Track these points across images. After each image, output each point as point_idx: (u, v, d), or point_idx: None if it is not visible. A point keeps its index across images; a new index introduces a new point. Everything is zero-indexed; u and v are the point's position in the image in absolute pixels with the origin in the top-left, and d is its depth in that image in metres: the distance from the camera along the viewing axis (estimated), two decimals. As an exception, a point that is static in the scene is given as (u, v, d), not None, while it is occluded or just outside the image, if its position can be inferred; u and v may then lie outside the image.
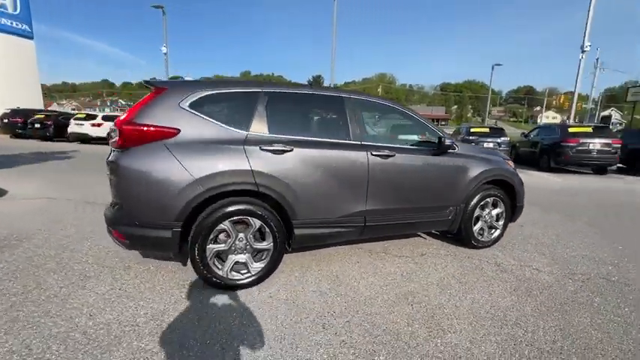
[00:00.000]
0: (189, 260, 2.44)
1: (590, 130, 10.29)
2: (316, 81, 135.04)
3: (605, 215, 5.30)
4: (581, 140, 9.90)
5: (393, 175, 2.85)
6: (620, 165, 11.43)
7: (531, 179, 8.79)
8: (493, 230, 3.53)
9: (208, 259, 2.34)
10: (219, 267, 2.39)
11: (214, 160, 2.27)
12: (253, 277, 2.47)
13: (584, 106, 53.64)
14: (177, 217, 2.21)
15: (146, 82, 2.47)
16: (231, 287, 2.43)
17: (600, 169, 10.76)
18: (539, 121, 75.37)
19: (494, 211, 3.48)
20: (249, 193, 2.39)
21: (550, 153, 10.58)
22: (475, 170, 3.24)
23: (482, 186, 3.31)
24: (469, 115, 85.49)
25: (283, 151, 2.44)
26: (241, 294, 2.41)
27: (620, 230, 4.47)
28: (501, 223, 3.54)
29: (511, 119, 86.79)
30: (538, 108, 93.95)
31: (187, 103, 2.31)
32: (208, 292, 2.42)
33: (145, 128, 2.20)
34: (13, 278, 2.49)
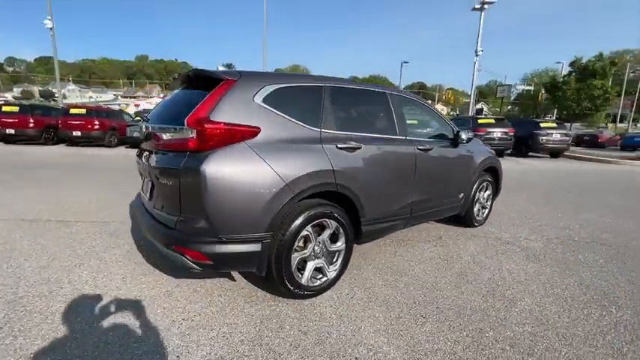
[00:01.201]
0: (238, 274, 2.19)
1: (493, 121, 12.59)
2: (228, 67, 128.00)
3: (531, 191, 6.65)
4: (488, 130, 12.04)
5: (430, 167, 3.07)
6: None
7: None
8: (484, 210, 4.12)
9: (292, 269, 2.15)
10: (300, 276, 2.22)
11: (301, 161, 2.08)
12: (328, 281, 2.38)
13: (465, 100, 64.50)
14: (268, 226, 1.96)
15: (200, 71, 2.06)
16: (309, 296, 2.29)
17: (499, 153, 13.30)
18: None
19: (486, 194, 4.06)
20: (327, 194, 2.26)
21: (464, 141, 12.63)
22: (478, 159, 3.72)
23: (481, 172, 3.82)
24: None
25: (354, 149, 2.38)
26: (322, 300, 2.30)
27: (552, 202, 5.70)
28: (489, 203, 4.16)
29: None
30: (430, 102, 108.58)
31: (261, 98, 2.04)
32: (286, 304, 2.23)
33: (229, 127, 1.86)
34: None
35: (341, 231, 2.36)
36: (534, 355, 1.83)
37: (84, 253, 2.92)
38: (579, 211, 5.06)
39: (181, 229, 1.90)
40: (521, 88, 46.78)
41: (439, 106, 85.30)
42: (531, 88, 42.22)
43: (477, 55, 17.58)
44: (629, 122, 45.11)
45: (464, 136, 3.35)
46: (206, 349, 1.77)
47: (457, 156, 3.44)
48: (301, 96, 2.26)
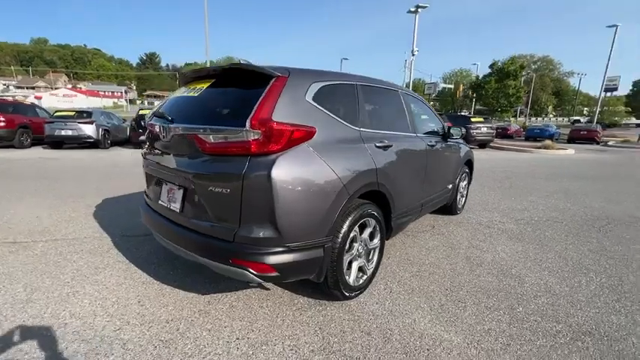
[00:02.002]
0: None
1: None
2: (150, 59, 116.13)
3: (480, 179, 7.51)
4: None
5: (435, 161, 3.29)
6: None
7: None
8: (462, 198, 4.55)
9: (344, 271, 2.12)
10: (348, 277, 2.20)
11: (353, 162, 2.04)
12: (367, 279, 2.40)
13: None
14: (329, 230, 1.89)
15: (243, 65, 1.85)
16: (356, 296, 2.29)
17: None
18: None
19: (464, 183, 4.49)
20: (369, 193, 2.27)
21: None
22: (462, 152, 4.09)
23: (463, 164, 4.21)
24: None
25: (387, 147, 2.42)
26: (365, 299, 2.32)
27: (500, 188, 6.52)
28: (465, 192, 4.61)
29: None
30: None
31: (311, 96, 1.93)
32: (334, 307, 2.20)
33: (294, 128, 1.72)
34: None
35: (377, 228, 2.40)
36: (561, 321, 2.12)
37: (70, 278, 2.45)
38: (526, 195, 5.90)
39: (242, 241, 1.72)
40: (442, 86, 52.03)
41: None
42: (451, 86, 47.18)
43: (413, 55, 19.06)
44: (525, 116, 53.68)
45: (455, 132, 3.65)
46: (282, 366, 1.67)
47: (449, 150, 3.73)
48: (341, 94, 2.22)
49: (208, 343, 1.81)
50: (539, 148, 15.38)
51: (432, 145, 3.18)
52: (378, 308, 2.21)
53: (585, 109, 58.97)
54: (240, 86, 1.92)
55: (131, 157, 9.39)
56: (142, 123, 11.19)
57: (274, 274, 1.74)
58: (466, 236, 3.64)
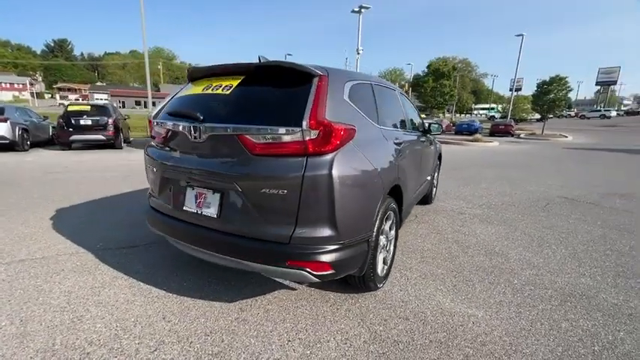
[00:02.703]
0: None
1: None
2: (60, 46, 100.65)
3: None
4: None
5: (424, 156, 3.57)
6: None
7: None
8: (435, 189, 4.98)
9: (377, 264, 2.21)
10: (378, 268, 2.30)
11: (384, 159, 2.14)
12: (388, 268, 2.54)
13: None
14: (372, 225, 1.96)
15: (285, 63, 1.79)
16: (382, 286, 2.41)
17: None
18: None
19: (436, 174, 4.92)
20: (392, 188, 2.39)
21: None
22: (437, 147, 4.48)
23: (437, 158, 4.62)
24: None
25: (400, 144, 2.57)
26: (389, 288, 2.45)
27: (455, 177, 7.25)
28: (437, 183, 5.06)
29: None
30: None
31: (347, 95, 1.97)
32: (365, 299, 2.29)
33: (346, 127, 1.74)
34: None
35: (394, 220, 2.55)
36: (548, 287, 2.52)
37: (65, 302, 2.12)
38: (477, 183, 6.67)
39: (299, 242, 1.70)
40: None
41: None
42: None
43: (358, 54, 19.85)
44: (452, 113, 59.74)
45: (434, 128, 3.98)
46: (344, 360, 1.71)
47: (430, 144, 4.06)
48: (364, 93, 2.29)
49: (262, 349, 1.76)
50: (471, 141, 17.33)
51: (423, 141, 3.45)
52: (404, 295, 2.37)
53: (500, 106, 67.94)
54: (278, 85, 1.87)
55: (62, 160, 8.17)
56: (73, 121, 9.79)
57: (330, 271, 1.76)
58: (447, 223, 4.03)
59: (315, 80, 1.80)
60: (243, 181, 1.74)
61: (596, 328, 2.05)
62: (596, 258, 3.11)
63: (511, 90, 34.68)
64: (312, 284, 2.44)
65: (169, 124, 2.05)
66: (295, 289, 2.39)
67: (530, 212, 4.61)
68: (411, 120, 3.47)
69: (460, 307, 2.24)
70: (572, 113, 50.62)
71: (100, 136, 10.01)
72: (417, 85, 35.30)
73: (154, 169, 2.16)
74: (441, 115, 55.89)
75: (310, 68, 1.80)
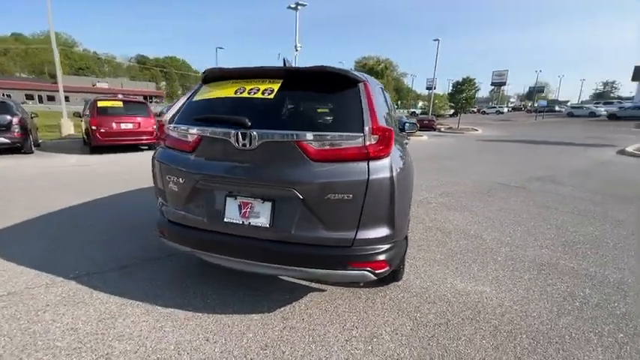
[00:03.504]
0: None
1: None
2: None
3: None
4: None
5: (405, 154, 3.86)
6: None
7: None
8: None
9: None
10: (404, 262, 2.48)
11: (408, 157, 2.29)
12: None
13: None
14: (409, 221, 2.10)
15: (331, 68, 1.79)
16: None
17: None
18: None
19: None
20: None
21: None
22: (408, 143, 4.85)
23: (406, 154, 5.02)
24: (179, 92, 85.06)
25: (405, 143, 2.78)
26: (407, 278, 2.65)
27: (432, 170, 7.90)
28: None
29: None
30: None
31: (382, 99, 2.08)
32: (392, 290, 2.45)
33: (392, 130, 1.82)
34: None
35: (407, 215, 2.76)
36: (525, 260, 3.03)
37: (76, 341, 1.80)
38: (427, 174, 7.38)
39: (361, 244, 1.75)
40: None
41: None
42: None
43: (296, 50, 19.88)
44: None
45: (409, 126, 4.32)
46: (404, 349, 1.84)
47: (406, 144, 4.40)
48: (381, 95, 2.40)
49: (326, 353, 1.79)
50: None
51: (406, 142, 3.74)
52: (421, 282, 2.59)
53: (421, 103, 75.19)
54: (323, 90, 1.88)
55: (-44, 171, 6.51)
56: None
57: (386, 269, 1.86)
58: (422, 212, 4.44)
59: (361, 86, 1.86)
60: (305, 188, 1.72)
61: (570, 289, 2.56)
62: (543, 232, 3.81)
63: (428, 89, 38.88)
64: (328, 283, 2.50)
65: (203, 131, 1.88)
66: (325, 290, 2.43)
67: (480, 198, 5.34)
68: (398, 119, 3.72)
69: (470, 286, 2.56)
70: (475, 109, 59.00)
71: (3, 139, 8.21)
72: None
73: (179, 179, 1.96)
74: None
75: (355, 73, 1.85)
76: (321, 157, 1.71)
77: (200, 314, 2.09)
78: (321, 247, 1.76)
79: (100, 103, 9.08)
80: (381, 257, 1.80)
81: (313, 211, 1.73)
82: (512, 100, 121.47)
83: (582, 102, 61.23)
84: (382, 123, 1.79)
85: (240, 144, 1.76)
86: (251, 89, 1.90)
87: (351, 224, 1.75)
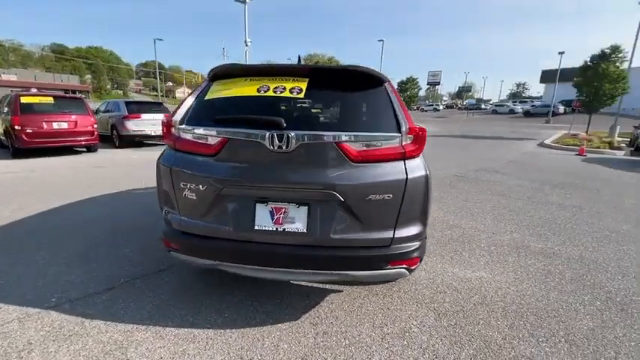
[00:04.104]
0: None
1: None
2: None
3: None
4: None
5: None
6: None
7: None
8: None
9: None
10: None
11: None
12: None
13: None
14: None
15: (360, 67, 1.75)
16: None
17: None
18: (178, 95, 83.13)
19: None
20: None
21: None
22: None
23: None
24: (108, 87, 76.04)
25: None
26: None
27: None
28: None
29: (152, 93, 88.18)
30: (170, 84, 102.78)
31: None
32: (409, 281, 2.54)
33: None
34: None
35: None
36: (503, 244, 3.37)
37: (87, 381, 1.53)
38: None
39: (398, 242, 1.78)
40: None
41: (185, 90, 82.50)
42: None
43: (246, 45, 19.16)
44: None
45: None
46: (436, 340, 1.93)
47: None
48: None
49: (368, 354, 1.79)
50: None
51: None
52: (425, 273, 2.73)
53: None
54: (350, 89, 1.85)
55: None
56: None
57: (418, 264, 1.92)
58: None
59: (387, 85, 1.88)
60: (346, 190, 1.68)
61: (547, 267, 2.91)
62: (508, 218, 4.26)
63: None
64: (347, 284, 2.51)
65: (232, 133, 1.73)
66: (341, 290, 2.42)
67: (445, 190, 5.77)
68: None
69: (469, 273, 2.76)
70: (416, 107, 63.43)
71: None
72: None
73: (199, 186, 1.76)
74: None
75: (380, 73, 1.86)
76: (362, 158, 1.70)
77: (222, 330, 1.93)
78: (360, 249, 1.75)
79: (24, 99, 7.76)
80: (415, 254, 1.85)
81: (353, 212, 1.71)
82: (445, 98, 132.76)
83: (501, 100, 69.40)
84: (414, 123, 1.83)
85: (276, 146, 1.66)
86: (276, 87, 1.80)
87: (389, 224, 1.76)
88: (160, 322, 1.99)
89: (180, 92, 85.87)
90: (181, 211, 1.86)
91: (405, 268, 1.83)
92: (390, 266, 1.79)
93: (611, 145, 14.04)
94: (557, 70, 32.13)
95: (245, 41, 19.06)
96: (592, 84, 16.46)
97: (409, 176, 1.74)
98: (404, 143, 1.75)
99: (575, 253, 3.21)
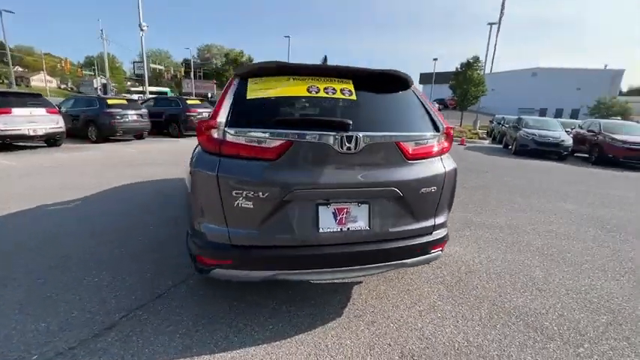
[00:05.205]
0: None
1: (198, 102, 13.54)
2: None
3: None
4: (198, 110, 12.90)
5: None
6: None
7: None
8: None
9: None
10: None
11: None
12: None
13: (84, 72, 56.09)
14: None
15: (395, 72, 1.87)
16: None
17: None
18: (34, 84, 66.55)
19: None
20: None
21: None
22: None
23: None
24: None
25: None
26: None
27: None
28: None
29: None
30: (20, 69, 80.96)
31: None
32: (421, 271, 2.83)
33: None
34: None
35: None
36: (471, 224, 4.05)
37: None
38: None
39: (436, 229, 2.01)
40: (152, 66, 48.60)
41: (45, 78, 66.17)
42: (162, 67, 45.10)
43: (142, 30, 16.52)
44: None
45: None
46: (461, 308, 2.27)
47: None
48: None
49: (421, 330, 1.99)
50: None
51: None
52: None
53: None
54: (386, 90, 1.99)
55: None
56: None
57: (446, 245, 2.20)
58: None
59: (414, 87, 2.08)
60: (405, 186, 1.82)
61: (493, 235, 3.66)
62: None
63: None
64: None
65: (298, 135, 1.66)
66: (360, 282, 2.55)
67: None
68: None
69: (449, 249, 3.24)
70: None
71: None
72: (219, 74, 34.72)
73: (259, 194, 1.61)
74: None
75: (408, 76, 2.04)
76: (414, 156, 1.86)
77: (277, 342, 1.84)
78: (412, 238, 1.93)
79: None
80: (446, 237, 2.13)
81: (408, 206, 1.87)
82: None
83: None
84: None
85: (345, 148, 1.67)
86: (326, 88, 1.79)
87: (432, 213, 1.99)
88: (199, 350, 1.76)
89: (38, 80, 68.68)
90: (232, 222, 1.68)
91: (441, 250, 2.10)
92: (433, 250, 2.03)
93: (479, 136, 17.76)
94: (432, 73, 38.42)
95: (140, 25, 16.58)
96: (462, 86, 20.38)
97: (446, 170, 1.99)
98: (441, 141, 2.00)
99: (501, 222, 4.12)
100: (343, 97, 1.81)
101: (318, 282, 2.42)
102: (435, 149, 1.98)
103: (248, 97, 1.74)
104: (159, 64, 53.18)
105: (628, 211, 4.96)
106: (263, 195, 1.64)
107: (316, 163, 1.72)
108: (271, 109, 1.76)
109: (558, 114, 37.09)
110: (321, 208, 1.75)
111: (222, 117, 1.66)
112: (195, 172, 1.70)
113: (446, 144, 2.05)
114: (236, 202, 1.65)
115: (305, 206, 1.73)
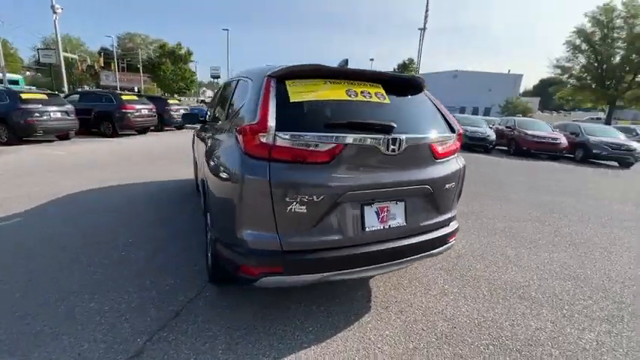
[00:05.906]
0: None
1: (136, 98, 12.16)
2: None
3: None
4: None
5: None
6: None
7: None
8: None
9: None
10: None
11: None
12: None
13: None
14: None
15: (418, 77, 2.00)
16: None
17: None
18: None
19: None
20: None
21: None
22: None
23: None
24: None
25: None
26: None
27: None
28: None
29: None
30: None
31: None
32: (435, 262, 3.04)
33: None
34: None
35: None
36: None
37: None
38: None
39: (452, 220, 2.22)
40: (64, 55, 41.97)
41: None
42: (76, 56, 39.07)
43: (55, 12, 14.03)
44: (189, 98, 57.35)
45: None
46: (470, 289, 2.54)
47: None
48: None
49: (444, 314, 2.19)
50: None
51: None
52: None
53: (210, 91, 73.25)
54: (408, 93, 2.12)
55: None
56: None
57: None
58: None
59: (426, 91, 2.25)
60: (434, 183, 1.97)
61: (475, 223, 4.11)
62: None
63: (213, 77, 38.99)
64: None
65: (353, 139, 1.69)
66: (374, 275, 2.67)
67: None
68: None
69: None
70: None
71: None
72: (155, 67, 31.96)
73: (313, 198, 1.59)
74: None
75: (424, 79, 2.21)
76: (440, 155, 2.03)
77: (322, 344, 1.86)
78: (436, 230, 2.10)
79: None
80: (458, 228, 2.37)
81: (435, 201, 2.03)
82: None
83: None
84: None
85: (390, 149, 1.76)
86: (364, 92, 1.85)
87: (450, 207, 2.19)
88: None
89: None
90: (283, 228, 1.64)
91: (454, 240, 2.32)
92: (450, 240, 2.23)
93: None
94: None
95: (52, 7, 14.18)
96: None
97: (461, 166, 2.22)
98: (456, 141, 2.21)
99: (467, 210, 4.64)
100: (378, 100, 1.90)
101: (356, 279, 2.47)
102: (453, 148, 2.18)
103: (291, 100, 1.71)
104: (70, 52, 46.11)
105: (561, 195, 6.00)
106: (318, 199, 1.64)
107: (365, 164, 1.78)
108: (317, 113, 1.76)
109: (475, 112, 42.22)
110: (366, 207, 1.81)
111: (272, 121, 1.61)
112: (242, 178, 1.61)
113: (458, 143, 2.27)
114: (289, 208, 1.62)
115: (353, 207, 1.78)
